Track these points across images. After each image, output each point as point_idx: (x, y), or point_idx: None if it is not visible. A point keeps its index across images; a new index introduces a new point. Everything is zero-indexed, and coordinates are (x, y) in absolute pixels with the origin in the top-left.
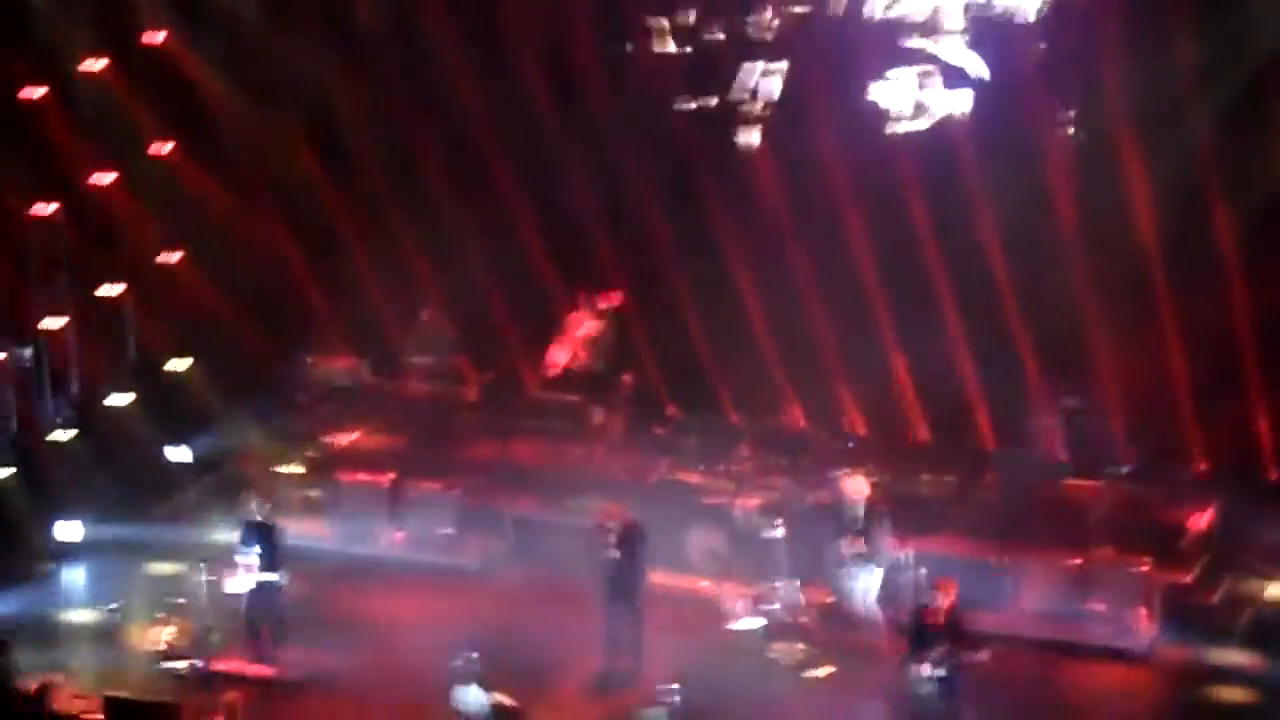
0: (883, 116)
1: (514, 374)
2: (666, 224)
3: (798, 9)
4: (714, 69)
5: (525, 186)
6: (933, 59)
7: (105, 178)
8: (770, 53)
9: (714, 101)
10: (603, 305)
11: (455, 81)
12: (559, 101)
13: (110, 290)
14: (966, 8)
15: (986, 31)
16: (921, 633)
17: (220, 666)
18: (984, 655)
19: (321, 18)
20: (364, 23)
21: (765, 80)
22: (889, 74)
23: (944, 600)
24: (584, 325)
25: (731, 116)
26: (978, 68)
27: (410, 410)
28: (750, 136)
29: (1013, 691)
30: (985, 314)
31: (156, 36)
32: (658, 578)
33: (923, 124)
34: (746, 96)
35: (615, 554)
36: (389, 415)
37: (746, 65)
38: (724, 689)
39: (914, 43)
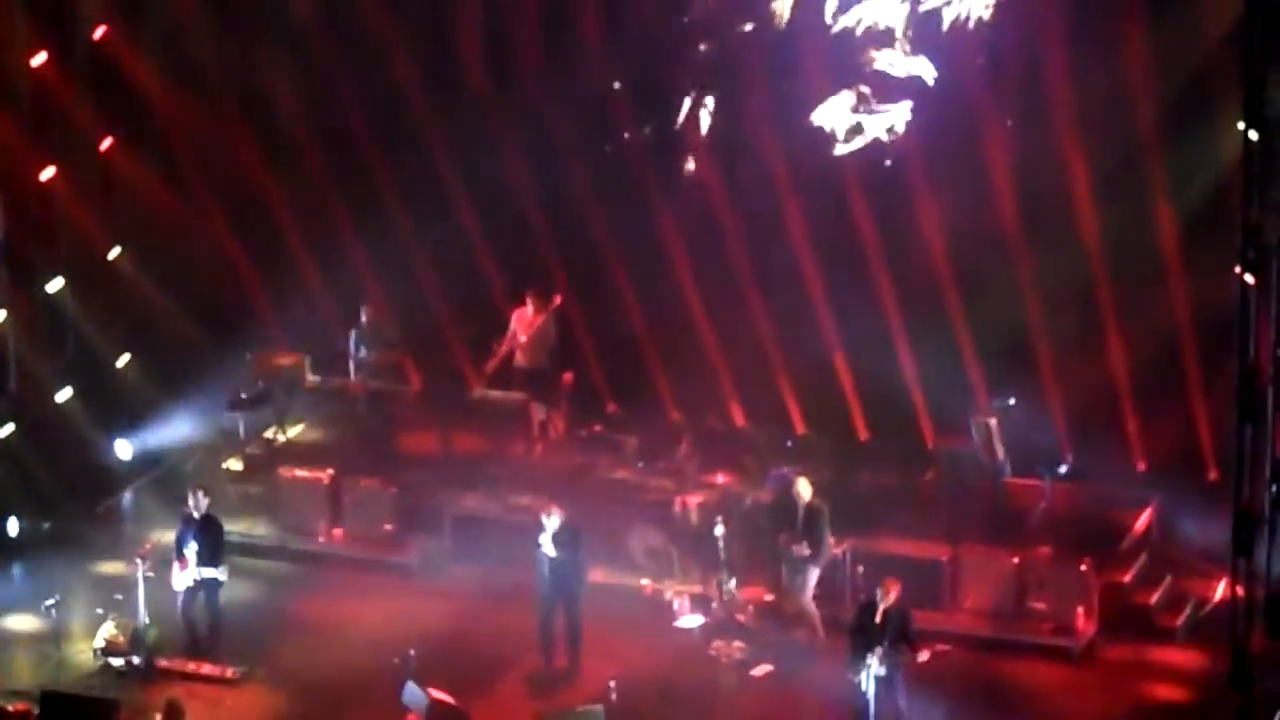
0: (825, 137)
1: (455, 371)
2: (608, 221)
3: (742, 28)
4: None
5: (467, 183)
6: (877, 73)
7: (45, 173)
8: (712, 72)
9: (648, 130)
10: (546, 304)
11: (396, 75)
12: (501, 97)
13: (49, 285)
14: (912, 15)
15: (931, 37)
16: (864, 631)
17: (159, 663)
18: (925, 654)
19: (260, 10)
20: (303, 16)
21: (706, 103)
22: (829, 98)
23: (887, 599)
24: (526, 323)
25: (672, 141)
26: (924, 71)
27: (351, 407)
28: (689, 163)
29: (954, 689)
30: (926, 312)
31: (96, 32)
32: (598, 576)
33: (858, 144)
34: (685, 121)
35: (554, 552)
36: (329, 411)
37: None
38: (663, 687)
39: (864, 57)
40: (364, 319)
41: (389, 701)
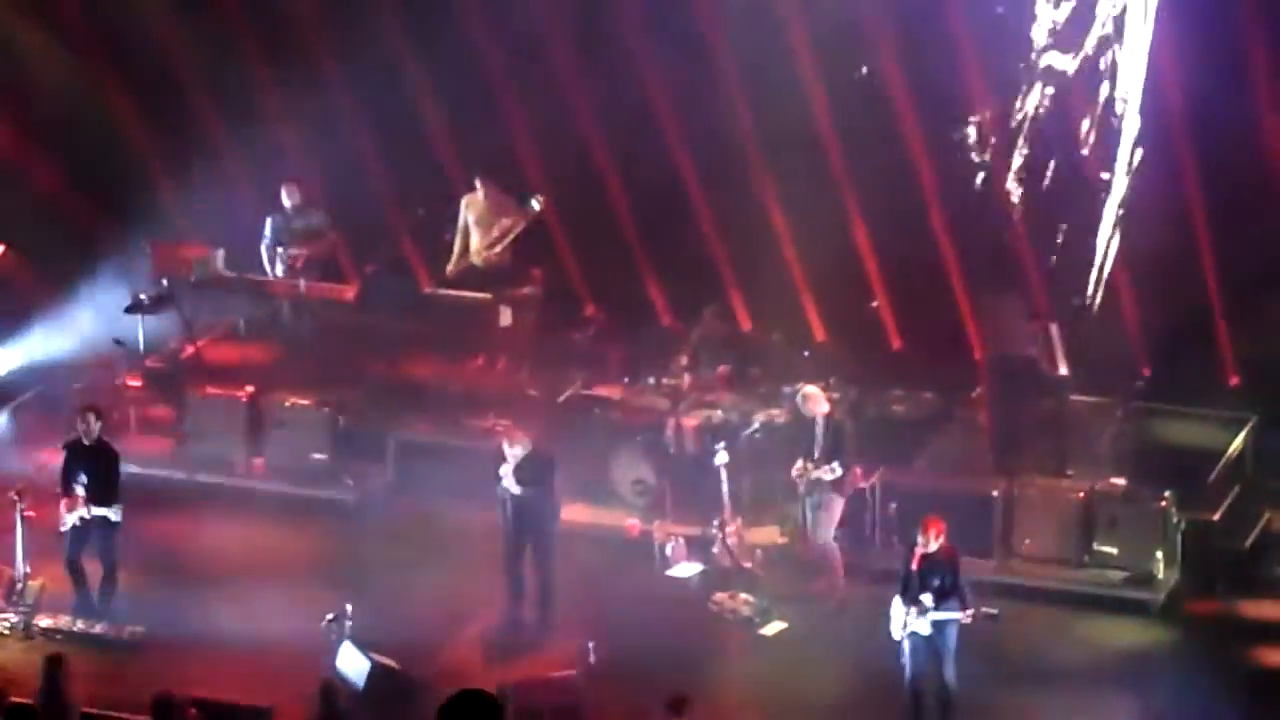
0: None
1: (402, 267)
2: (584, 82)
3: None
4: None
5: (419, 47)
6: None
7: None
8: None
9: None
10: (531, 206)
11: None
12: None
13: None
14: None
15: None
16: (906, 582)
17: (40, 621)
18: (968, 613)
19: None
20: None
21: None
22: None
23: (930, 542)
24: (479, 212)
25: None
26: None
27: (274, 310)
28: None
29: (1008, 651)
30: (972, 190)
31: None
32: (575, 514)
33: None
34: None
35: (519, 486)
36: (249, 316)
37: None
38: (653, 649)
39: None
40: (286, 202)
41: (320, 667)
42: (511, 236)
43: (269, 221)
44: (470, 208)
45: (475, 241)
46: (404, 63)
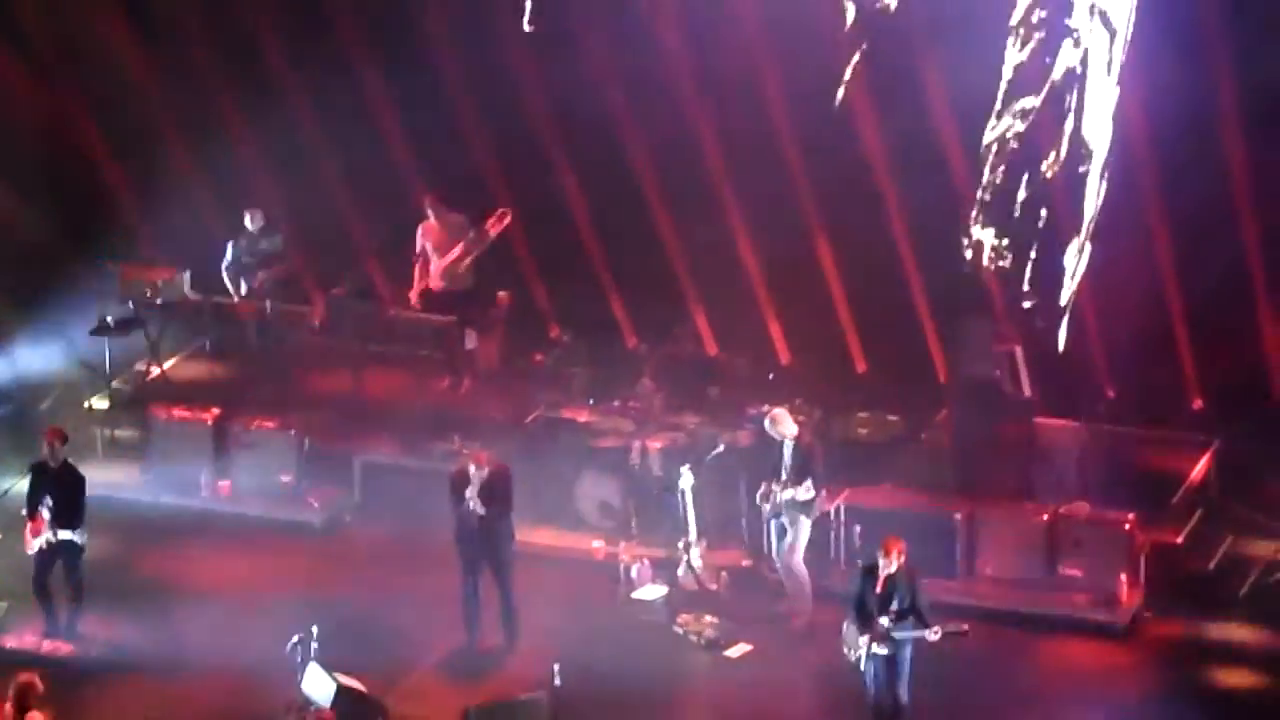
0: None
1: (367, 290)
2: (549, 106)
3: None
4: None
5: (383, 69)
6: None
7: None
8: None
9: None
10: (492, 227)
11: None
12: None
13: None
14: None
15: None
16: (862, 602)
17: (6, 644)
18: (936, 631)
19: None
20: None
21: None
22: None
23: (889, 563)
24: (435, 238)
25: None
26: None
27: (240, 332)
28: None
29: (970, 673)
30: (938, 218)
31: None
32: (540, 537)
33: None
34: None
35: (479, 507)
36: (214, 338)
37: None
38: (618, 671)
39: None
40: (249, 225)
41: (286, 688)
42: (469, 257)
43: (230, 246)
44: (426, 235)
45: (434, 266)
46: (368, 86)
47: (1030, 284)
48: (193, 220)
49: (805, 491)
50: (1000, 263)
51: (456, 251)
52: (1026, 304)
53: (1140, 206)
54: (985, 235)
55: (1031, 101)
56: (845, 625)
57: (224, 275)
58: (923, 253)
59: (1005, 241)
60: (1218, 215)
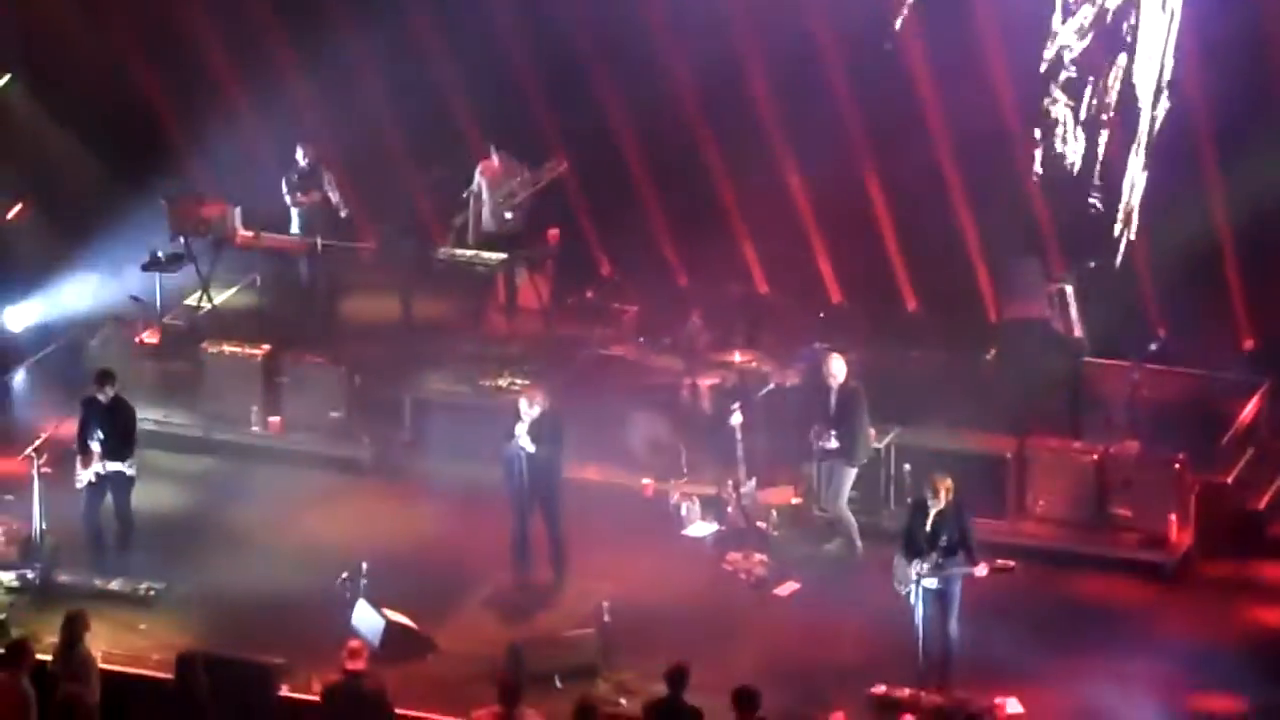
0: None
1: (418, 226)
2: (601, 45)
3: None
4: None
5: (435, 8)
6: None
7: None
8: None
9: None
10: (533, 168)
11: None
12: None
13: None
14: None
15: None
16: (912, 539)
17: (58, 578)
18: (984, 568)
19: None
20: None
21: None
22: None
23: (938, 499)
24: (494, 181)
25: None
26: None
27: (290, 268)
28: None
29: (1018, 611)
30: (989, 154)
31: None
32: (590, 474)
33: None
34: None
35: (532, 446)
36: (264, 273)
37: None
38: (668, 608)
39: None
40: (301, 160)
41: (335, 626)
42: (521, 197)
43: (284, 180)
44: (484, 174)
45: (486, 207)
46: (420, 24)
47: (1081, 224)
48: (245, 156)
49: (832, 440)
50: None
51: (510, 188)
52: (1077, 245)
53: (1194, 141)
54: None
55: (1088, 14)
56: (895, 560)
57: (291, 210)
58: (974, 189)
59: (1064, 161)
60: (1273, 158)
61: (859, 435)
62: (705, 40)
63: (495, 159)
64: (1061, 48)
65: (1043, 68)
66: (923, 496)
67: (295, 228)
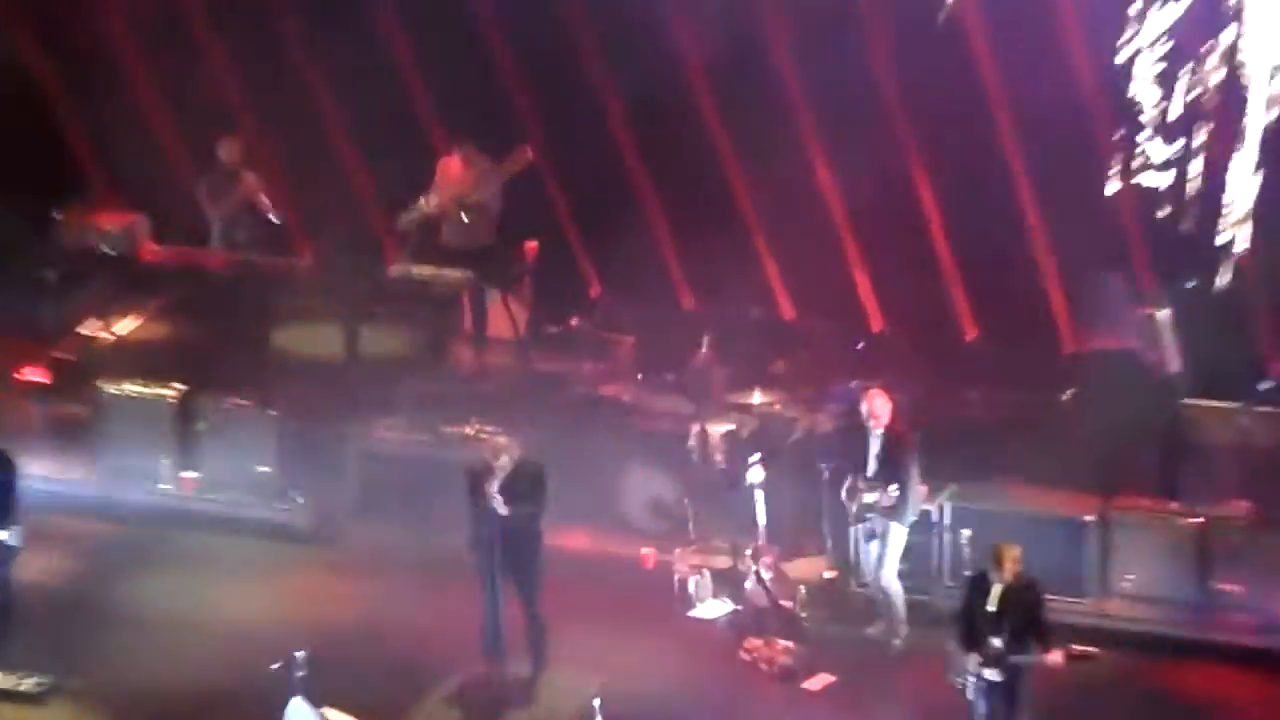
0: None
1: (367, 240)
2: (592, 22)
3: None
4: None
5: None
6: None
7: None
8: None
9: None
10: (499, 161)
11: None
12: None
13: None
14: None
15: None
16: (971, 619)
17: None
18: (1058, 656)
19: None
20: None
21: None
22: None
23: (1006, 574)
24: (454, 182)
25: None
26: None
27: (211, 291)
28: None
29: (1100, 710)
30: (1065, 154)
31: None
32: (577, 541)
33: None
34: None
35: (503, 506)
36: (180, 298)
37: None
38: (673, 707)
39: None
40: (223, 159)
41: None
42: (477, 197)
43: (203, 184)
44: (445, 173)
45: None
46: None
47: (1186, 212)
48: (154, 158)
49: (891, 494)
50: (1149, 183)
51: (466, 182)
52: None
53: None
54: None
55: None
56: (950, 648)
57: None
58: (1046, 192)
59: (1155, 160)
60: None
61: (908, 491)
62: (714, 6)
63: (458, 157)
64: (1150, 24)
65: (1128, 49)
66: (985, 569)
67: (215, 240)
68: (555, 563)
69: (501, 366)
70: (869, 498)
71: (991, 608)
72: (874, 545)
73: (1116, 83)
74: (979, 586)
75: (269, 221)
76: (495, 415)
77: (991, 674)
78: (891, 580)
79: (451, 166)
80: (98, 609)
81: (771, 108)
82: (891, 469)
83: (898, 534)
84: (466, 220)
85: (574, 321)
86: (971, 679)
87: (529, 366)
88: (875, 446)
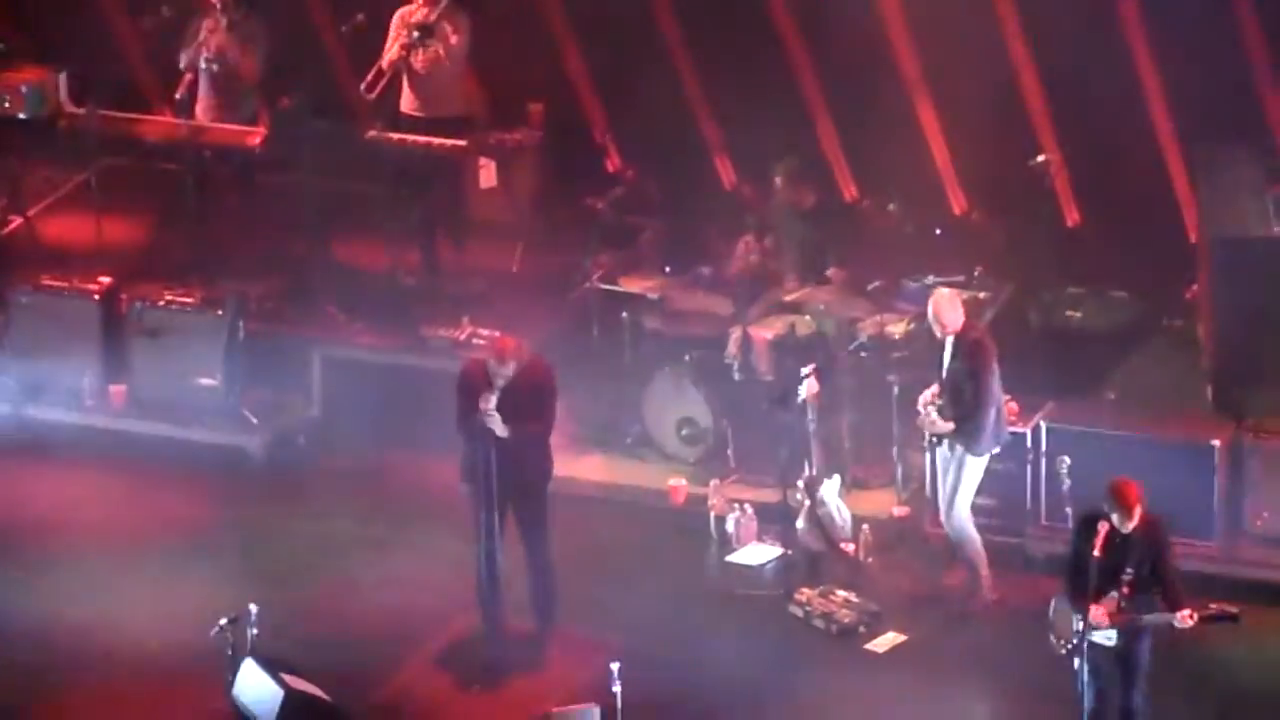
0: None
1: (334, 99)
2: None
3: None
4: None
5: None
6: None
7: None
8: None
9: None
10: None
11: None
12: None
13: None
14: None
15: None
16: (1079, 570)
17: None
18: (1188, 615)
19: None
20: None
21: None
22: None
23: (1124, 516)
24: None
25: None
26: None
27: (146, 162)
28: None
29: (1232, 673)
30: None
31: None
32: (591, 470)
33: None
34: None
35: (500, 427)
36: (109, 171)
37: None
38: (707, 673)
39: None
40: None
41: (210, 697)
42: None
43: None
44: (402, 25)
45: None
46: None
47: None
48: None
49: (957, 415)
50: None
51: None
52: None
53: None
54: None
55: None
56: (1053, 604)
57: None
58: (1163, 46)
59: None
60: None
61: (983, 411)
62: None
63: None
64: None
65: None
66: (1096, 509)
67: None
68: (565, 497)
69: (499, 258)
70: (939, 420)
71: (1105, 555)
72: (948, 475)
73: None
74: (1089, 530)
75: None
76: (491, 313)
77: (1104, 636)
78: (963, 521)
79: (408, 15)
80: (11, 548)
81: None
82: (963, 385)
83: (974, 464)
84: (425, 56)
85: (593, 202)
86: (1079, 642)
87: (535, 255)
88: (947, 358)
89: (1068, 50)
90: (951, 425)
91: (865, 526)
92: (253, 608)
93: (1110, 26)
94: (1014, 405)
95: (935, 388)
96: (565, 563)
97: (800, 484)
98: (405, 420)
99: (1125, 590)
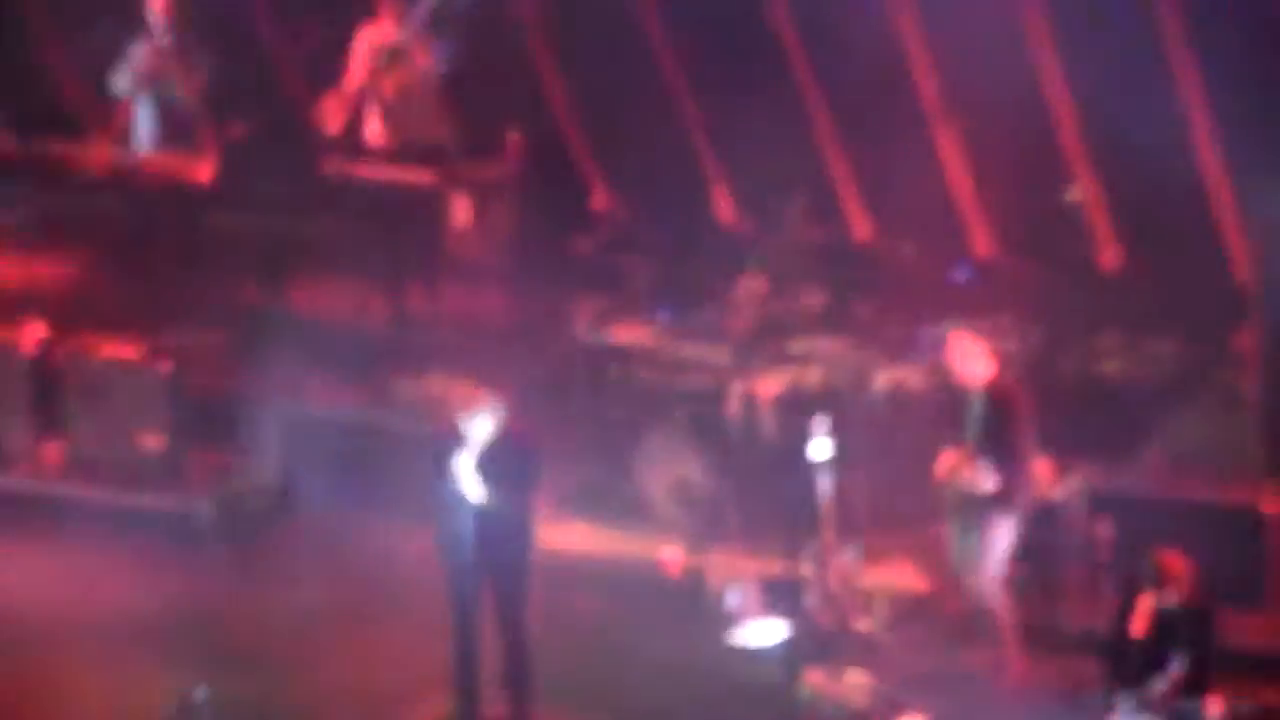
0: None
1: (296, 129)
2: None
3: None
4: None
5: None
6: None
7: None
8: None
9: None
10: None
11: None
12: None
13: None
14: None
15: None
16: (1120, 649)
17: None
18: (1218, 706)
19: None
20: None
21: None
22: None
23: (1167, 589)
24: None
25: None
26: None
27: (85, 201)
28: None
29: None
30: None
31: None
32: (577, 539)
33: None
34: None
35: (476, 490)
36: (44, 212)
37: None
38: None
39: None
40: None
41: None
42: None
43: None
44: (366, 45)
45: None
46: None
47: None
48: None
49: (987, 479)
50: None
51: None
52: None
53: None
54: None
55: None
56: (1103, 684)
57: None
58: (1210, 70)
59: None
60: None
61: (1022, 466)
62: None
63: (388, 18)
64: None
65: None
66: (1137, 579)
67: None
68: (547, 568)
69: (476, 303)
70: (965, 480)
71: (1147, 633)
72: (972, 541)
73: None
74: (1130, 603)
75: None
76: (465, 367)
77: None
78: (996, 590)
79: (379, 30)
80: None
81: None
82: (993, 438)
83: (1006, 527)
84: (393, 80)
85: (577, 242)
86: None
87: (513, 301)
88: (975, 409)
89: (1104, 73)
90: (993, 485)
91: (879, 600)
92: (202, 690)
93: (1153, 47)
94: (1047, 465)
95: (958, 447)
96: (548, 641)
97: (809, 553)
98: (371, 482)
99: (1173, 674)
